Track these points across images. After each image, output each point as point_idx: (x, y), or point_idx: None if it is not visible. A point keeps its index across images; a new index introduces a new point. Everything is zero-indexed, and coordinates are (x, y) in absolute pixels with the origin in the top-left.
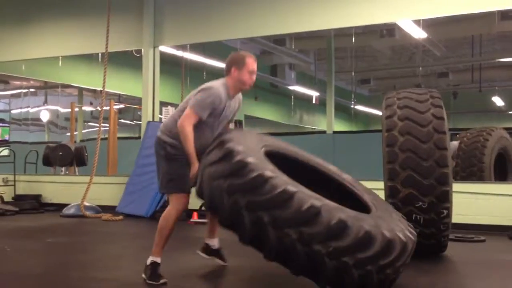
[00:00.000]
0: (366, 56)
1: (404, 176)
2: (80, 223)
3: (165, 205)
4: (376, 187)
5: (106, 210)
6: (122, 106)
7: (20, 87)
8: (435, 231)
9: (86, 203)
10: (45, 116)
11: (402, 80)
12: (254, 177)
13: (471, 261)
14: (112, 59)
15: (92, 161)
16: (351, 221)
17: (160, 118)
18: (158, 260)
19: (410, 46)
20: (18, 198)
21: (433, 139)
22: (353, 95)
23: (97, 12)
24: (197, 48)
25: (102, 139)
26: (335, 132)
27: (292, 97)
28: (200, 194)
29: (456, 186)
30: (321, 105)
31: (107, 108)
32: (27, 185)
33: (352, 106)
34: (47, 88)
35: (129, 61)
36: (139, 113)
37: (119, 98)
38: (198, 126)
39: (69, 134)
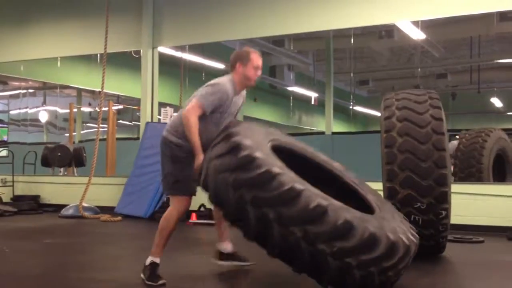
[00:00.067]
0: (364, 57)
1: (403, 177)
2: (78, 224)
3: (163, 206)
4: (375, 188)
5: (105, 211)
6: (120, 107)
7: (19, 88)
8: (433, 232)
9: (84, 204)
10: (43, 117)
11: (400, 81)
12: (262, 172)
13: (469, 262)
14: (111, 60)
15: (91, 162)
16: (356, 222)
17: (159, 119)
18: (157, 260)
19: (408, 47)
20: (16, 199)
21: (432, 140)
22: (351, 96)
23: (96, 13)
24: (196, 49)
25: (100, 139)
26: (334, 133)
27: (291, 98)
28: (204, 187)
29: (455, 187)
30: (320, 106)
31: (106, 109)
32: (25, 185)
33: (351, 107)
34: (45, 89)
35: (128, 62)
36: (137, 114)
37: (118, 99)
38: (204, 121)
39: (67, 134)
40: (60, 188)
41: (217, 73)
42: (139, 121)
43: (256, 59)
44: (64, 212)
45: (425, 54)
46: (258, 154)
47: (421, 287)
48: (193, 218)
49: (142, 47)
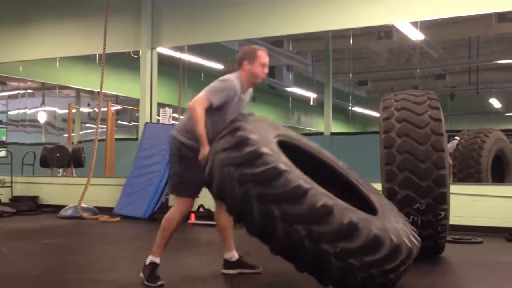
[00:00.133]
0: (363, 58)
1: (402, 178)
2: (77, 225)
3: (162, 206)
4: None
5: (104, 212)
6: (119, 107)
7: (18, 88)
8: (432, 233)
9: (83, 205)
10: (42, 118)
11: (399, 82)
12: (268, 169)
13: (468, 262)
14: (110, 61)
15: (90, 163)
16: (361, 223)
17: (158, 120)
18: (157, 260)
19: (407, 48)
20: (15, 200)
21: (431, 140)
22: (350, 97)
23: (95, 14)
24: (195, 49)
25: (99, 140)
26: (332, 134)
27: (290, 98)
28: (209, 180)
29: (454, 188)
30: (319, 106)
31: (105, 109)
32: (24, 186)
33: (350, 108)
34: (44, 89)
35: (126, 62)
36: (136, 114)
37: (117, 99)
38: (211, 117)
39: (66, 135)
40: (59, 189)
41: (216, 74)
42: (138, 122)
43: (263, 56)
44: (62, 212)
45: (424, 54)
46: (265, 149)
47: None
48: (192, 219)
49: (141, 48)
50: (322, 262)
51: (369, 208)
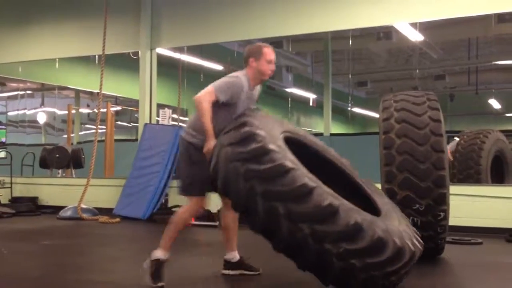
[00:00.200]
0: (363, 59)
1: (401, 179)
2: (77, 226)
3: (162, 207)
4: None
5: (103, 213)
6: (119, 108)
7: (17, 89)
8: (432, 234)
9: (83, 206)
10: (42, 118)
11: (399, 83)
12: (275, 166)
13: (468, 263)
14: (109, 61)
15: (89, 163)
16: (366, 225)
17: (157, 121)
18: (164, 257)
19: (407, 49)
20: (14, 201)
21: (430, 141)
22: (350, 98)
23: (94, 14)
24: (194, 50)
25: (99, 141)
26: (332, 135)
27: (289, 99)
28: (214, 175)
29: (453, 189)
30: (318, 107)
31: (104, 110)
32: (23, 187)
33: (349, 109)
34: (44, 90)
35: (126, 63)
36: (136, 115)
37: (116, 100)
38: (217, 113)
39: (66, 136)
40: (58, 190)
41: (215, 74)
42: (137, 123)
43: (269, 53)
44: (62, 213)
45: (423, 55)
46: (272, 146)
47: None
48: (192, 220)
49: (140, 49)
50: (324, 262)
51: (372, 208)
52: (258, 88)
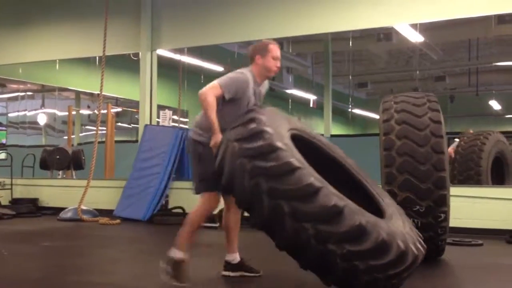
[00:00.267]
0: (363, 60)
1: (402, 180)
2: (77, 227)
3: (162, 209)
4: None
5: (104, 214)
6: (119, 109)
7: (17, 91)
8: (432, 235)
9: (83, 207)
10: (42, 120)
11: (399, 84)
12: (281, 164)
13: (468, 265)
14: (110, 63)
15: (90, 165)
16: (370, 227)
17: (158, 122)
18: (182, 256)
19: (407, 50)
20: (15, 202)
21: (430, 143)
22: (350, 99)
23: (94, 16)
24: (194, 51)
25: (99, 142)
26: (332, 136)
27: (290, 100)
28: (220, 170)
29: (454, 190)
30: (319, 108)
31: (105, 111)
32: (24, 188)
33: (350, 110)
34: (44, 92)
35: (126, 64)
36: (136, 116)
37: (117, 101)
38: (223, 109)
39: (66, 137)
40: (59, 191)
41: (216, 76)
42: (137, 124)
43: (275, 50)
44: (62, 215)
45: (423, 56)
46: (279, 144)
47: None
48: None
49: (140, 50)
50: (327, 262)
51: (376, 208)
52: (265, 85)
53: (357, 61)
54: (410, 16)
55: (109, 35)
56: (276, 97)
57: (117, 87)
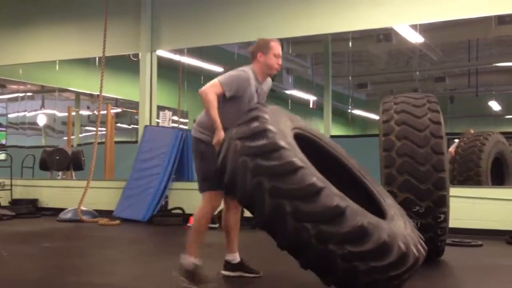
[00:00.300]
0: (363, 61)
1: (401, 181)
2: (76, 228)
3: (162, 209)
4: None
5: (103, 215)
6: (119, 110)
7: (17, 91)
8: (432, 236)
9: (83, 208)
10: (42, 120)
11: (399, 85)
12: (284, 163)
13: (468, 265)
14: (109, 63)
15: (89, 166)
16: (371, 228)
17: (157, 122)
18: (198, 262)
19: (407, 51)
20: (14, 203)
21: (430, 143)
22: (350, 100)
23: (94, 17)
24: (194, 52)
25: (99, 143)
26: (332, 137)
27: (289, 101)
28: (222, 168)
29: (453, 191)
30: (319, 109)
31: (104, 112)
32: (23, 189)
33: (349, 111)
34: (44, 92)
35: (126, 65)
36: (136, 117)
37: (116, 102)
38: (224, 107)
39: (66, 138)
40: (58, 192)
41: (215, 76)
42: (137, 125)
43: (276, 47)
44: (62, 215)
45: (423, 57)
46: (282, 143)
47: None
48: (192, 222)
49: (140, 51)
50: (327, 262)
51: (377, 209)
52: (269, 82)
53: (357, 62)
54: (410, 16)
55: (109, 36)
56: (276, 98)
57: (117, 88)
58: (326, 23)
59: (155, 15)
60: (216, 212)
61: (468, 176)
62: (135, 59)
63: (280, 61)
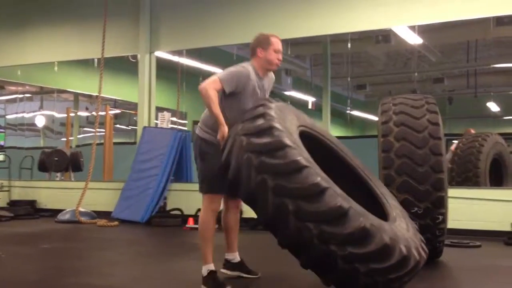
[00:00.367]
0: (362, 62)
1: (400, 182)
2: (75, 229)
3: (160, 210)
4: None
5: (102, 216)
6: (118, 111)
7: (16, 92)
8: (430, 237)
9: (81, 209)
10: (40, 122)
11: (397, 86)
12: (289, 162)
13: (466, 266)
14: (108, 65)
15: (88, 167)
16: (373, 230)
17: (156, 124)
18: (212, 267)
19: (405, 52)
20: (13, 204)
21: (429, 145)
22: (349, 101)
23: (93, 18)
24: (193, 53)
25: (97, 144)
26: None
27: (289, 102)
28: (226, 164)
29: (452, 192)
30: (317, 110)
31: (103, 113)
32: (22, 190)
33: (348, 112)
34: (42, 94)
35: (125, 66)
36: (135, 118)
37: (115, 103)
38: (225, 103)
39: (64, 139)
40: (57, 193)
41: None
42: (136, 126)
43: (276, 43)
44: (60, 217)
45: (422, 58)
46: (288, 141)
47: None
48: (190, 223)
49: (139, 52)
50: (328, 263)
51: (380, 209)
52: (271, 78)
53: (356, 63)
54: (409, 18)
55: (107, 37)
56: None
57: (116, 89)
58: (325, 24)
59: (154, 16)
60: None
61: (467, 177)
62: (134, 60)
63: (280, 57)
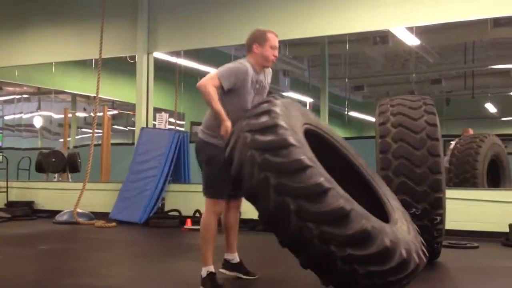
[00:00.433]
0: (359, 63)
1: (398, 183)
2: (73, 230)
3: (158, 211)
4: None
5: (99, 217)
6: (115, 112)
7: (13, 93)
8: (428, 238)
9: (79, 210)
10: (38, 122)
11: (395, 87)
12: (292, 161)
13: (464, 267)
14: (106, 65)
15: (85, 168)
16: (374, 232)
17: (154, 125)
18: (212, 269)
19: (403, 53)
20: (10, 205)
21: (426, 145)
22: (346, 102)
23: (91, 18)
24: (191, 54)
25: (95, 145)
26: None
27: None
28: (229, 160)
29: (449, 193)
30: (315, 111)
31: (101, 114)
32: (19, 191)
33: (346, 113)
34: (40, 94)
35: (123, 67)
36: (132, 119)
37: (113, 104)
38: (226, 101)
39: (62, 140)
40: (55, 194)
41: None
42: (134, 127)
43: (273, 39)
44: (58, 218)
45: (419, 60)
46: (292, 140)
47: None
48: (188, 224)
49: (137, 53)
50: (327, 263)
51: (382, 210)
52: (269, 72)
53: (354, 64)
54: (407, 19)
55: (105, 38)
56: None
57: (114, 89)
58: (323, 25)
59: (152, 17)
60: None
61: (464, 178)
62: (132, 61)
63: (276, 53)
